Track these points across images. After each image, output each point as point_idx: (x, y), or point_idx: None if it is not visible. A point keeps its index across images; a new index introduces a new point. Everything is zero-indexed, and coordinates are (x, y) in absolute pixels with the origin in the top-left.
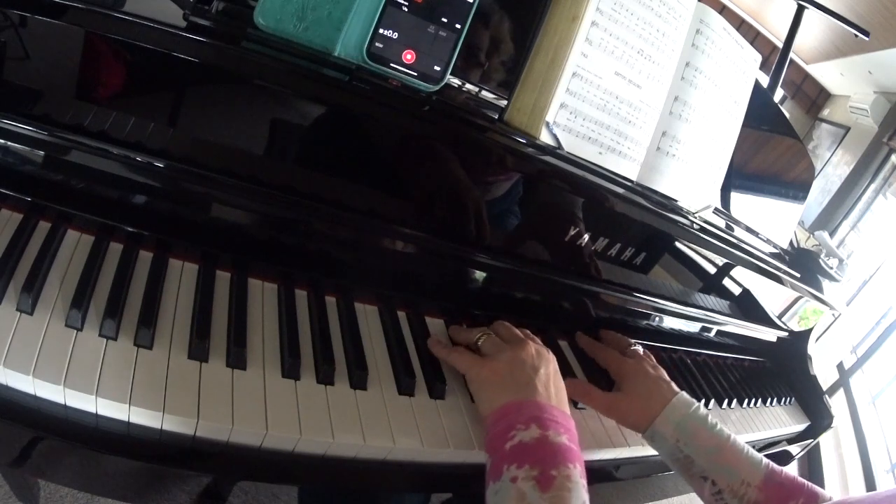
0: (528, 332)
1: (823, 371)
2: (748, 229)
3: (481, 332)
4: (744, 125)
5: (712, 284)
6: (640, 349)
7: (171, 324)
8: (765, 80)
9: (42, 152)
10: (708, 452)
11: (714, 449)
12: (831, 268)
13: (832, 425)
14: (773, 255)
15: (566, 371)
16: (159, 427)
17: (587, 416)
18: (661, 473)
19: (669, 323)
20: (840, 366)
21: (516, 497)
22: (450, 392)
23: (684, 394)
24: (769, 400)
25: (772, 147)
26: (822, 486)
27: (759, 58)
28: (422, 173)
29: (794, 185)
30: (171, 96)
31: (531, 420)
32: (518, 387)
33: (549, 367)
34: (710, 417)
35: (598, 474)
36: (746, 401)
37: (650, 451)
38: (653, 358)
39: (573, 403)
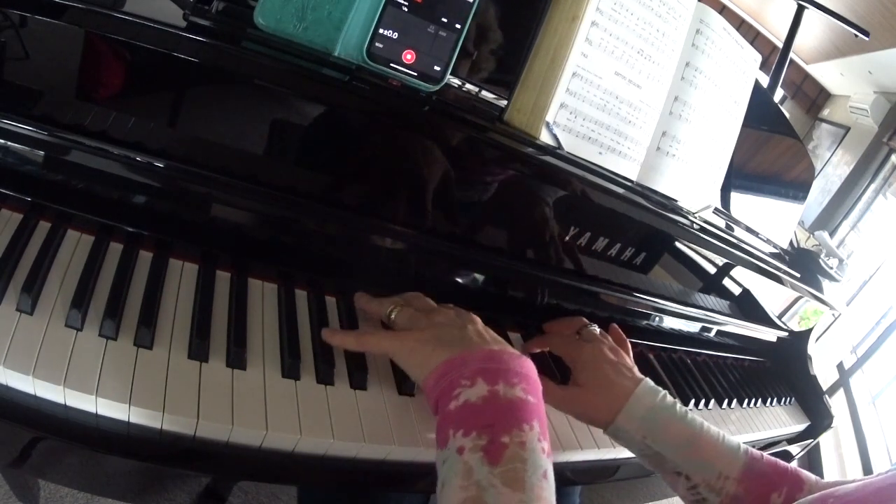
0: (450, 305)
1: (823, 371)
2: (748, 229)
3: (393, 303)
4: (744, 125)
5: (712, 284)
6: (597, 329)
7: (171, 324)
8: (765, 80)
9: (42, 152)
10: (679, 447)
11: (686, 443)
12: (831, 268)
13: (832, 425)
14: (773, 255)
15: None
16: (159, 427)
17: None
18: None
19: (669, 323)
20: (840, 366)
21: (463, 472)
22: None
23: (648, 381)
24: (769, 400)
25: (772, 147)
26: None
27: (759, 58)
28: (422, 173)
29: (794, 185)
30: (171, 96)
31: (477, 374)
32: (452, 344)
33: (476, 322)
34: (678, 406)
35: (599, 474)
36: (746, 401)
37: None
38: (609, 338)
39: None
